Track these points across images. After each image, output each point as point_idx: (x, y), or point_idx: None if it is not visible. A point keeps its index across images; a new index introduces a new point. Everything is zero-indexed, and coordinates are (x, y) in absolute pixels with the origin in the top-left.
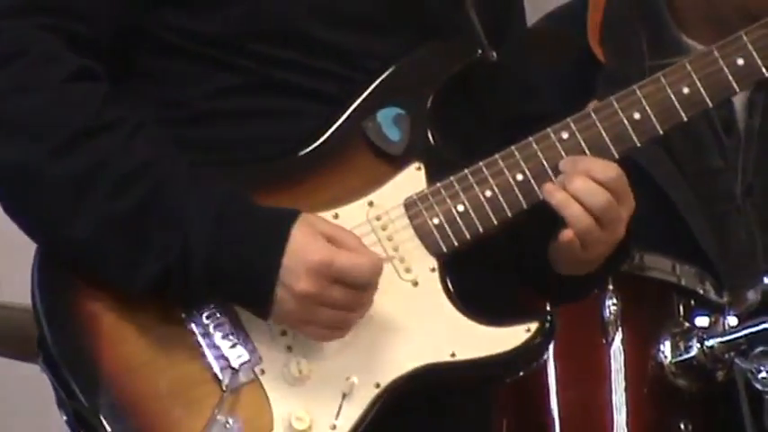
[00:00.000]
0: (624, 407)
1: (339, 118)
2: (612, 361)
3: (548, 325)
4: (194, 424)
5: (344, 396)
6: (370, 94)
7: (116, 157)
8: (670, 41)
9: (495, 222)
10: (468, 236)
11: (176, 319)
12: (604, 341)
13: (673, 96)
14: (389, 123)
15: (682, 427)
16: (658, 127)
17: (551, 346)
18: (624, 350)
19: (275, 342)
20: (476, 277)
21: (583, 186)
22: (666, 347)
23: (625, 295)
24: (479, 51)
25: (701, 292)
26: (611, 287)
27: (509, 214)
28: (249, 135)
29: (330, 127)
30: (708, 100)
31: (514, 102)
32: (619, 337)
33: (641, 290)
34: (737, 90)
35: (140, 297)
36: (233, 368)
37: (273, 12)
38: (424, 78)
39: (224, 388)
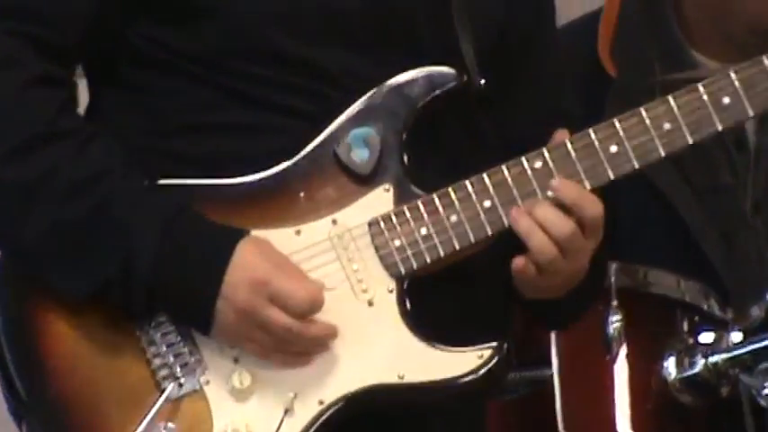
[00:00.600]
0: (628, 423)
1: (315, 138)
2: (616, 377)
3: (503, 352)
4: (133, 430)
5: (286, 411)
6: (346, 115)
7: (67, 166)
8: (681, 57)
9: (458, 248)
10: (428, 259)
11: (125, 325)
12: (608, 357)
13: (653, 132)
14: (359, 143)
15: None
16: (635, 162)
17: (556, 362)
18: (628, 366)
19: (223, 353)
20: (440, 301)
21: (550, 214)
22: (671, 364)
23: (629, 311)
24: (464, 78)
25: (706, 308)
26: (615, 303)
27: (472, 240)
28: (228, 149)
29: (305, 146)
30: (689, 137)
31: (547, 122)
32: (623, 353)
33: (645, 306)
34: (720, 129)
35: (92, 302)
36: (176, 377)
37: (251, 29)
38: (403, 102)
39: (164, 396)
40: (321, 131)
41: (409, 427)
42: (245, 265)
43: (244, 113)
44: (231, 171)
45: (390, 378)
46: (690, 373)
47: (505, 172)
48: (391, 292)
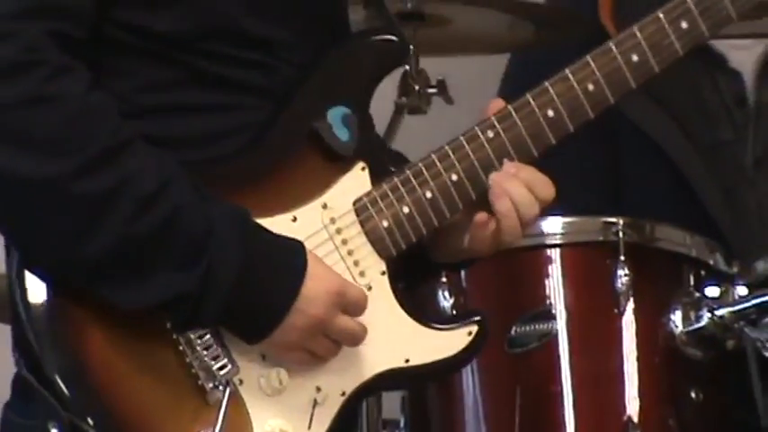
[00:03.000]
0: (636, 376)
1: (282, 115)
2: (624, 331)
3: (484, 327)
4: None
5: (315, 404)
6: (310, 90)
7: (136, 177)
8: None
9: (436, 224)
10: (413, 238)
11: (162, 328)
12: (616, 311)
13: (580, 94)
14: (339, 123)
15: (692, 395)
16: (569, 125)
17: (564, 316)
18: (636, 320)
19: (251, 350)
20: (404, 279)
21: (524, 198)
22: (677, 317)
23: (636, 266)
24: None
25: (712, 262)
26: (622, 258)
27: (447, 216)
28: (190, 130)
29: (274, 125)
30: (610, 97)
31: None
32: (630, 307)
33: (653, 260)
34: (634, 86)
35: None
36: (218, 380)
37: (212, 9)
38: (361, 74)
39: (224, 404)
40: (284, 107)
41: None
42: (319, 276)
43: (202, 92)
44: (197, 153)
45: (398, 363)
46: (696, 326)
47: (465, 145)
48: (384, 274)
